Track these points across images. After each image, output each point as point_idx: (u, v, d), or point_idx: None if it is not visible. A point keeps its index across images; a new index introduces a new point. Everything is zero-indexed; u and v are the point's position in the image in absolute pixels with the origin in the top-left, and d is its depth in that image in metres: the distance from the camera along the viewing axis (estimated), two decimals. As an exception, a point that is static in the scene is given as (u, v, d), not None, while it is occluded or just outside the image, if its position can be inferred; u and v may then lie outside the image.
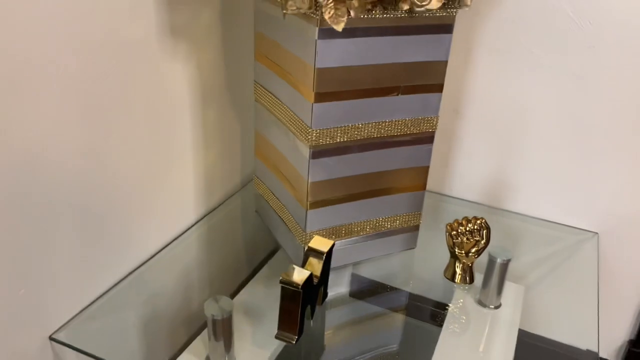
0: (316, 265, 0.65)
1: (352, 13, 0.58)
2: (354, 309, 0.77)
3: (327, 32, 0.60)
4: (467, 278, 0.76)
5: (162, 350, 0.68)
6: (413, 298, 0.79)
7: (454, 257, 0.76)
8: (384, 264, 0.82)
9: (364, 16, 0.61)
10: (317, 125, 0.65)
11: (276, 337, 0.63)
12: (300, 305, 0.61)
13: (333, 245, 0.66)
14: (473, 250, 0.74)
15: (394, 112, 0.69)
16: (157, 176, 0.75)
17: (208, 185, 0.87)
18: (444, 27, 0.67)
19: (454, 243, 0.74)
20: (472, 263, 0.76)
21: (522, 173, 0.93)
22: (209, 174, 0.86)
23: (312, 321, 0.68)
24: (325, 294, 0.70)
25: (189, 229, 0.84)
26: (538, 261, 0.90)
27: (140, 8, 0.65)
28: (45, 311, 0.62)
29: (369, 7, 0.60)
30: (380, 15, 0.62)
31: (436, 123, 0.73)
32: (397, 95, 0.69)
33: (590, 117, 0.84)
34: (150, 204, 0.75)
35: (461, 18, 0.86)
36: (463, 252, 0.74)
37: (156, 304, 0.73)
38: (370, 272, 0.81)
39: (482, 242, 0.74)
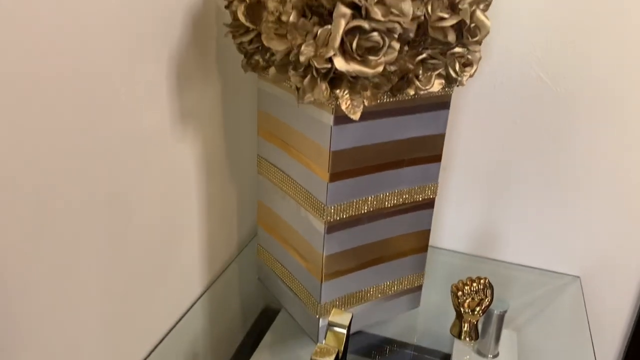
0: (339, 339, 0.67)
1: (366, 102, 0.62)
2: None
3: (341, 119, 0.64)
4: (473, 335, 0.80)
5: None
6: (415, 350, 0.82)
7: (459, 316, 0.79)
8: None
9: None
10: (332, 202, 0.68)
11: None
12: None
13: (352, 317, 0.69)
14: (477, 308, 0.78)
15: (400, 183, 0.73)
16: (167, 254, 0.75)
17: (210, 255, 0.88)
18: (442, 104, 0.72)
19: (459, 303, 0.78)
20: (477, 320, 0.80)
21: (506, 223, 0.98)
22: (211, 245, 0.87)
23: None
24: (345, 363, 0.72)
25: (196, 301, 0.84)
26: (526, 306, 0.96)
27: (155, 97, 0.66)
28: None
29: (381, 95, 0.64)
30: (388, 100, 0.66)
31: (436, 189, 0.77)
32: (402, 168, 0.73)
33: (566, 170, 0.91)
34: (160, 282, 0.75)
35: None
36: (469, 310, 0.78)
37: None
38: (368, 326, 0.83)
39: (487, 300, 0.78)
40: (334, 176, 0.67)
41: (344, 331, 0.67)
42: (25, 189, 0.50)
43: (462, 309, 0.78)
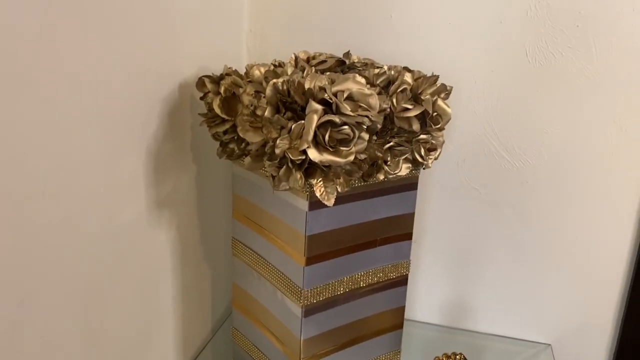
0: None
1: (339, 189, 0.64)
2: None
3: (316, 204, 0.66)
4: (453, 411, 0.80)
5: None
6: None
7: (439, 391, 0.80)
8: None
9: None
10: (309, 286, 0.69)
11: None
12: None
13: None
14: (456, 384, 0.79)
15: (374, 262, 0.75)
16: (142, 347, 0.74)
17: (185, 341, 0.86)
18: (411, 185, 0.75)
19: (438, 378, 0.78)
20: (455, 396, 0.80)
21: (478, 294, 1.01)
22: (186, 330, 0.86)
23: None
24: None
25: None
26: None
27: (133, 190, 0.68)
28: None
29: (353, 181, 0.67)
30: (359, 184, 0.69)
31: (408, 266, 0.80)
32: (376, 247, 0.75)
33: (532, 241, 0.95)
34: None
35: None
36: (447, 386, 0.79)
37: None
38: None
39: (464, 376, 0.79)
40: (310, 260, 0.69)
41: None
42: None
43: (440, 385, 0.79)
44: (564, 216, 0.93)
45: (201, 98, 0.74)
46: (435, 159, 0.74)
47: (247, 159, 0.67)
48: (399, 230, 0.77)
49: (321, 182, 0.63)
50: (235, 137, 0.70)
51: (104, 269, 0.64)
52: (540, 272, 0.97)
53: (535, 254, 0.96)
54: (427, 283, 1.03)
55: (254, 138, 0.64)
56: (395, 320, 0.82)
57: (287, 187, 0.63)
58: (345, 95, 0.60)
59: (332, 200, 0.64)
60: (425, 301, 1.04)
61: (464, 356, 0.79)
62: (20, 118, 0.49)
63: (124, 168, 0.66)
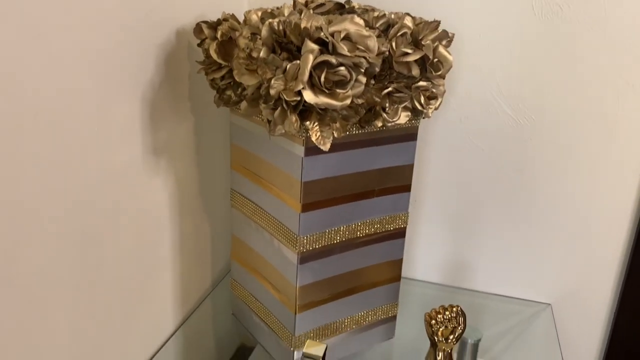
0: (314, 368, 0.67)
1: (335, 134, 0.64)
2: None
3: (312, 150, 0.65)
4: (448, 363, 0.81)
5: None
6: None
7: (433, 344, 0.80)
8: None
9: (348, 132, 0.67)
10: (305, 233, 0.69)
11: None
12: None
13: (326, 349, 0.69)
14: (451, 336, 0.79)
15: (371, 212, 0.75)
16: (139, 292, 0.75)
17: (184, 292, 0.87)
18: (410, 136, 0.74)
19: (433, 331, 0.78)
20: (451, 349, 0.80)
21: (477, 253, 1.00)
22: (185, 281, 0.87)
23: None
24: (320, 396, 0.71)
25: (169, 339, 0.83)
26: (499, 335, 0.97)
27: (129, 134, 0.67)
28: None
29: (350, 127, 0.66)
30: (357, 131, 0.69)
31: (406, 219, 0.79)
32: (373, 197, 0.74)
33: (534, 200, 0.94)
34: (132, 321, 0.74)
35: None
36: (442, 339, 0.78)
37: None
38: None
39: (459, 328, 0.78)
40: (306, 206, 0.68)
41: (319, 356, 0.67)
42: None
43: (436, 338, 0.78)
44: (567, 175, 0.92)
45: (199, 45, 0.73)
46: (436, 108, 0.73)
47: (243, 104, 0.66)
48: (398, 182, 0.76)
49: (317, 126, 0.63)
50: (232, 83, 0.70)
51: (100, 210, 0.64)
52: (541, 231, 0.96)
53: (537, 213, 0.95)
54: (427, 241, 1.02)
55: (249, 81, 0.63)
56: (393, 273, 0.81)
57: (283, 131, 0.62)
58: (342, 35, 0.59)
59: (328, 145, 0.63)
60: (425, 259, 1.04)
61: (460, 309, 0.79)
62: (13, 57, 0.49)
63: (119, 112, 0.65)
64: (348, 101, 0.61)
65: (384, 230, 0.77)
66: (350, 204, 0.72)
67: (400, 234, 0.79)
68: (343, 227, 0.73)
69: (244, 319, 0.86)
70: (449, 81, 0.89)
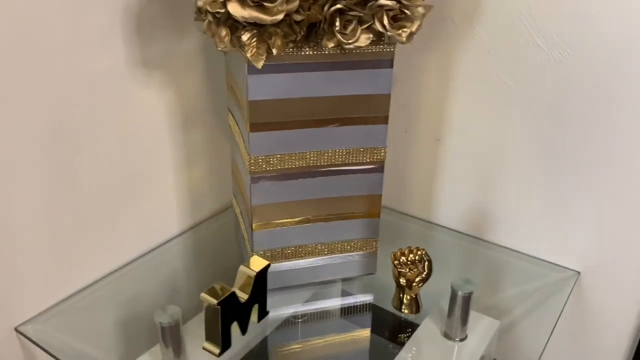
0: (247, 285, 0.69)
1: (274, 51, 0.62)
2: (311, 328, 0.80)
3: (256, 68, 0.65)
4: (414, 308, 0.77)
5: (122, 355, 0.75)
6: (379, 311, 0.81)
7: (399, 286, 0.76)
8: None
9: (294, 53, 0.65)
10: (254, 152, 0.70)
11: (203, 348, 0.68)
12: (221, 320, 0.65)
13: (267, 267, 0.70)
14: (417, 279, 0.74)
15: (337, 142, 0.72)
16: (132, 191, 0.82)
17: (194, 200, 0.93)
18: (383, 62, 0.69)
19: (399, 273, 0.75)
20: (416, 294, 0.76)
21: (502, 205, 0.91)
22: (195, 190, 0.93)
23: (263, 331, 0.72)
24: (265, 313, 0.74)
25: (170, 240, 0.91)
26: (517, 296, 0.88)
27: (108, 42, 0.72)
28: (10, 302, 0.71)
29: (292, 45, 0.63)
30: (312, 52, 0.66)
31: (384, 153, 0.75)
32: (338, 126, 0.71)
33: (566, 150, 0.81)
34: (126, 215, 0.82)
35: (436, 50, 0.86)
36: (406, 282, 0.75)
37: (125, 308, 0.80)
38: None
39: (424, 273, 0.74)
40: (254, 126, 0.68)
41: (252, 274, 0.69)
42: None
43: (400, 280, 0.75)
44: (607, 123, 0.77)
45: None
46: (413, 33, 0.66)
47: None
48: (370, 112, 0.72)
49: (254, 43, 0.62)
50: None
51: (76, 111, 0.71)
52: (574, 186, 0.83)
53: (571, 164, 0.82)
54: (450, 185, 0.95)
55: (196, -6, 0.64)
56: (370, 208, 0.78)
57: (224, 47, 0.62)
58: (266, -55, 0.56)
59: (261, 63, 0.62)
60: (447, 204, 0.97)
61: (425, 253, 0.74)
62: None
63: (97, 20, 0.71)
64: (280, 16, 0.58)
65: (355, 162, 0.74)
66: (309, 130, 0.70)
67: (377, 169, 0.75)
68: (300, 152, 0.71)
69: (237, 235, 0.91)
70: (474, 6, 0.80)
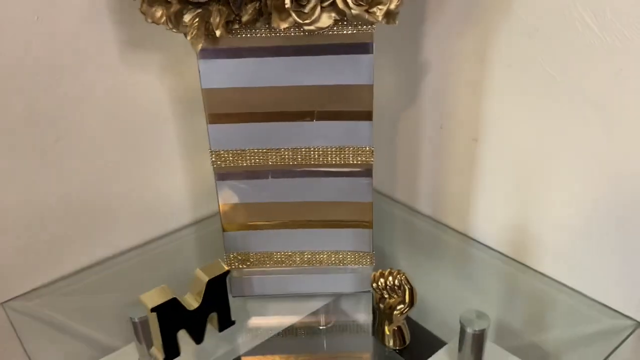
0: (200, 290, 0.63)
1: (217, 33, 0.54)
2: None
3: (209, 52, 0.57)
4: (398, 341, 0.65)
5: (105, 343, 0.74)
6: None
7: (380, 314, 0.64)
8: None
9: (249, 35, 0.57)
10: (216, 146, 0.63)
11: (149, 354, 0.64)
12: (160, 327, 0.60)
13: (226, 274, 0.64)
14: (399, 307, 0.62)
15: (312, 139, 0.63)
16: (126, 179, 0.80)
17: (197, 192, 0.89)
18: (360, 47, 0.57)
19: (379, 298, 0.63)
20: (397, 326, 0.64)
21: (548, 226, 0.73)
22: (200, 182, 0.88)
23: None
24: (229, 322, 0.67)
25: (171, 233, 0.88)
26: (565, 341, 0.71)
27: (94, 19, 0.70)
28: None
29: (236, 26, 0.55)
30: (270, 34, 0.57)
31: (372, 154, 0.63)
32: (311, 120, 0.61)
33: (620, 158, 0.62)
34: (120, 204, 0.81)
35: (470, 34, 0.71)
36: (386, 311, 0.63)
37: (114, 294, 0.79)
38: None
39: (405, 303, 0.61)
40: (214, 118, 0.61)
41: (205, 280, 0.63)
42: None
43: (380, 306, 0.63)
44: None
45: None
46: (388, 12, 0.54)
47: None
48: (349, 106, 0.60)
49: (197, 24, 0.54)
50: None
51: (59, 95, 0.70)
52: (635, 218, 0.63)
53: (628, 177, 0.62)
54: (488, 196, 0.79)
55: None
56: (360, 217, 0.67)
57: (170, 28, 0.56)
58: None
59: (198, 47, 0.54)
60: (484, 217, 0.81)
61: (405, 278, 0.61)
62: None
63: None
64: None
65: (336, 163, 0.64)
66: (276, 125, 0.62)
67: (364, 172, 0.64)
68: (270, 149, 0.63)
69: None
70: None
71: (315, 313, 0.74)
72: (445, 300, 0.77)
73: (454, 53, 0.75)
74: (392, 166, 0.92)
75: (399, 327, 0.64)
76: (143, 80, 0.77)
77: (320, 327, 0.72)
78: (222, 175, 0.65)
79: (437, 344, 0.66)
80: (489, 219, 0.80)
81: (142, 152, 0.81)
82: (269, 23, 0.55)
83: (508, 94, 0.71)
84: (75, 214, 0.77)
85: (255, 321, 0.72)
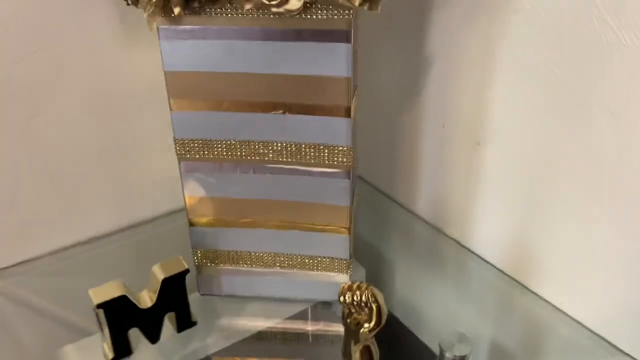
0: (155, 288, 0.59)
1: (174, 11, 0.49)
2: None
3: (172, 32, 0.52)
4: (365, 360, 0.59)
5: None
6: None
7: (347, 330, 0.59)
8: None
9: (210, 14, 0.51)
10: (179, 134, 0.58)
11: (103, 351, 0.61)
12: (108, 324, 0.57)
13: (185, 272, 0.59)
14: (366, 325, 0.56)
15: (285, 133, 0.57)
16: (110, 161, 0.77)
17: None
18: (337, 34, 0.51)
19: (347, 313, 0.57)
20: (365, 345, 0.58)
21: (551, 248, 0.65)
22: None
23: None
24: (189, 323, 0.63)
25: (156, 219, 0.84)
26: None
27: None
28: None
29: (196, 4, 0.49)
30: (234, 15, 0.51)
31: (351, 155, 0.57)
32: (283, 113, 0.56)
33: (633, 174, 0.54)
34: (101, 185, 0.77)
35: (475, 27, 0.64)
36: (353, 326, 0.57)
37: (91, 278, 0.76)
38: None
39: (372, 322, 0.55)
40: (178, 104, 0.57)
41: (160, 278, 0.58)
42: None
43: (347, 322, 0.58)
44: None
45: None
46: (370, 0, 0.47)
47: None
48: (325, 100, 0.55)
49: (153, 2, 0.49)
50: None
51: (36, 72, 0.67)
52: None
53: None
54: (489, 206, 0.72)
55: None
56: (335, 222, 0.62)
57: (130, 4, 0.52)
58: None
59: (152, 27, 0.49)
60: (484, 229, 0.74)
61: (372, 294, 0.54)
62: None
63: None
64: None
65: (311, 162, 0.58)
66: (245, 115, 0.56)
67: (341, 174, 0.58)
68: (239, 141, 0.58)
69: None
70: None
71: (289, 319, 0.69)
72: (440, 314, 0.72)
73: (460, 48, 0.67)
74: (392, 165, 0.86)
75: (367, 347, 0.58)
76: (124, 60, 0.72)
77: (291, 335, 0.67)
78: (188, 165, 0.60)
79: (427, 355, 0.61)
80: (489, 231, 0.73)
81: (121, 136, 0.77)
82: (231, 1, 0.49)
83: (512, 97, 0.63)
84: (46, 196, 0.74)
85: (222, 323, 0.68)
